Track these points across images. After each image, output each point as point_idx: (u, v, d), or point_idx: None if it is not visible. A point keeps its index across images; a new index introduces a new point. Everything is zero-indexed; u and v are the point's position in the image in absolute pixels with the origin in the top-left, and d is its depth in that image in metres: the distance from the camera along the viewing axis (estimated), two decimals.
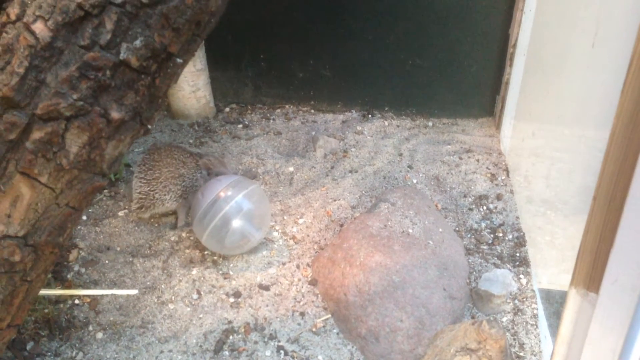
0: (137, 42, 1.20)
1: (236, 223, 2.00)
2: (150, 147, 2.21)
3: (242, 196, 2.01)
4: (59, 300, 1.90)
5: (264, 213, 2.12)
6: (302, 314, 1.91)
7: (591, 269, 1.11)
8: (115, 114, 1.24)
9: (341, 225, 2.26)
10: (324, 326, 1.88)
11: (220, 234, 1.99)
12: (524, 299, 1.96)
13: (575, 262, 1.15)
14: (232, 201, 1.99)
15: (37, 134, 1.20)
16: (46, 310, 1.85)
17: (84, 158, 1.26)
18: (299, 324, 1.88)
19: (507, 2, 2.70)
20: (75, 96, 1.19)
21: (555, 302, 1.92)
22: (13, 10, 1.18)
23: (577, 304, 1.16)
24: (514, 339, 1.84)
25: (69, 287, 1.93)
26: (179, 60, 1.30)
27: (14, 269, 1.33)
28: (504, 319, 1.91)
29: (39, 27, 1.16)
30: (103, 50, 1.19)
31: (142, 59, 1.21)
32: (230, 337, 1.82)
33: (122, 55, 1.20)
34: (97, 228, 2.21)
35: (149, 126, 1.38)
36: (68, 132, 1.22)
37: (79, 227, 2.19)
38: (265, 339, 1.82)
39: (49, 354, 1.74)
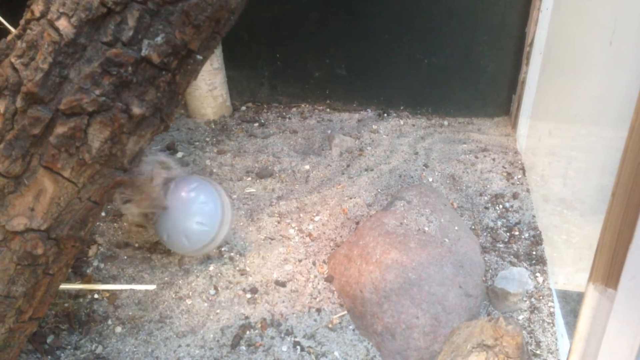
0: (159, 39, 1.22)
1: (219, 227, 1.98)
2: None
3: (204, 195, 1.97)
4: (78, 294, 1.93)
5: (227, 202, 2.08)
6: (318, 310, 1.92)
7: (609, 265, 1.11)
8: (136, 110, 1.26)
9: (357, 223, 2.27)
10: (340, 322, 1.89)
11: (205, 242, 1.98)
12: (541, 297, 1.95)
13: (594, 258, 1.15)
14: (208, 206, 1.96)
15: (60, 129, 1.23)
16: (66, 305, 1.88)
17: (105, 153, 1.29)
18: (315, 320, 1.89)
19: (524, 1, 2.69)
20: (97, 92, 1.21)
21: (572, 301, 1.91)
22: (37, 7, 1.20)
23: (595, 300, 1.16)
24: (531, 337, 1.84)
25: (88, 282, 1.96)
26: (199, 57, 1.32)
27: (37, 262, 1.35)
28: (520, 317, 1.90)
29: (62, 23, 1.18)
30: (125, 47, 1.21)
31: (163, 56, 1.23)
32: (247, 332, 1.84)
33: (144, 52, 1.22)
34: (115, 224, 2.24)
35: (169, 122, 1.40)
36: (90, 127, 1.24)
37: (97, 224, 2.22)
38: (282, 335, 1.83)
39: (69, 347, 1.77)
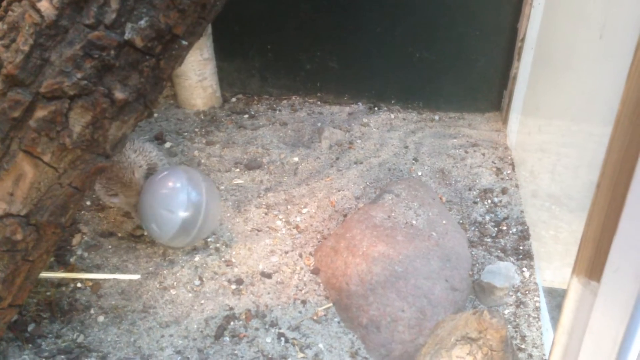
0: (142, 22, 1.20)
1: (198, 215, 1.95)
2: None
3: (189, 186, 1.95)
4: (61, 283, 1.91)
5: (215, 197, 2.08)
6: (304, 302, 1.91)
7: (593, 257, 1.11)
8: (119, 95, 1.25)
9: (345, 216, 2.26)
10: (325, 315, 1.87)
11: (187, 231, 1.95)
12: (527, 292, 1.95)
13: (578, 250, 1.15)
14: (184, 194, 1.93)
15: (40, 113, 1.21)
16: (48, 293, 1.86)
17: (87, 138, 1.27)
18: (300, 312, 1.88)
19: None
20: (79, 75, 1.19)
21: (557, 296, 1.91)
22: None
23: (578, 293, 1.15)
24: (516, 332, 1.83)
25: (71, 271, 1.94)
26: (184, 43, 1.30)
27: (16, 248, 1.33)
28: (506, 312, 1.90)
29: (44, 5, 1.16)
30: (108, 30, 1.19)
31: (146, 40, 1.22)
32: (231, 323, 1.82)
33: (127, 35, 1.20)
34: (100, 214, 2.22)
35: (153, 109, 1.38)
36: (72, 111, 1.22)
37: (82, 212, 2.20)
38: (266, 326, 1.82)
39: (50, 335, 1.75)
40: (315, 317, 1.86)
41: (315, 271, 2.02)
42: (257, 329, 1.81)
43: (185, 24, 1.27)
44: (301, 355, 1.74)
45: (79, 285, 1.92)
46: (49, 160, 1.26)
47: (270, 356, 1.73)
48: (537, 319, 1.87)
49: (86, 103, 1.22)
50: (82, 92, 1.21)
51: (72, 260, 2.00)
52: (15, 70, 1.17)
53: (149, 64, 1.26)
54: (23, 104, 1.20)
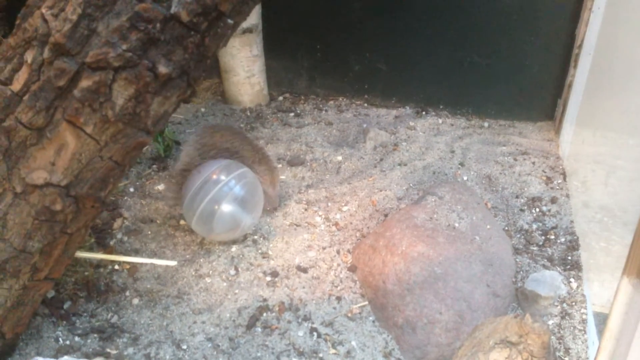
0: None
1: (226, 207, 1.92)
2: (212, 126, 2.16)
3: (232, 179, 1.93)
4: (99, 264, 1.93)
5: (255, 198, 2.04)
6: (339, 299, 1.87)
7: None
8: (162, 69, 1.24)
9: (385, 215, 2.21)
10: (360, 312, 1.83)
11: (209, 218, 1.92)
12: (573, 303, 1.86)
13: (629, 250, 1.07)
14: (221, 183, 1.90)
15: (85, 83, 1.22)
16: (86, 273, 1.88)
17: (129, 112, 1.27)
18: (334, 308, 1.84)
19: (575, 1, 2.60)
20: (124, 47, 1.20)
21: (606, 308, 1.81)
22: None
23: (628, 295, 1.08)
24: (560, 343, 1.74)
25: (110, 253, 1.96)
26: (230, 21, 1.30)
27: (55, 219, 1.34)
28: (550, 322, 1.81)
29: None
30: (154, 3, 1.19)
31: (192, 15, 1.21)
32: (264, 314, 1.80)
33: (173, 9, 1.20)
34: (142, 201, 2.24)
35: (195, 87, 1.38)
36: (115, 83, 1.23)
37: (125, 198, 2.23)
38: (299, 320, 1.79)
39: (85, 314, 1.76)
40: (349, 314, 1.82)
41: (352, 268, 1.98)
42: (289, 322, 1.78)
43: (232, 2, 1.26)
44: (333, 351, 1.70)
45: (116, 267, 1.93)
46: (91, 131, 1.27)
47: (301, 350, 1.69)
48: (582, 332, 1.77)
49: (130, 75, 1.22)
50: (126, 64, 1.21)
51: (111, 243, 2.02)
52: (63, 39, 1.18)
53: (194, 40, 1.26)
54: (68, 73, 1.21)
